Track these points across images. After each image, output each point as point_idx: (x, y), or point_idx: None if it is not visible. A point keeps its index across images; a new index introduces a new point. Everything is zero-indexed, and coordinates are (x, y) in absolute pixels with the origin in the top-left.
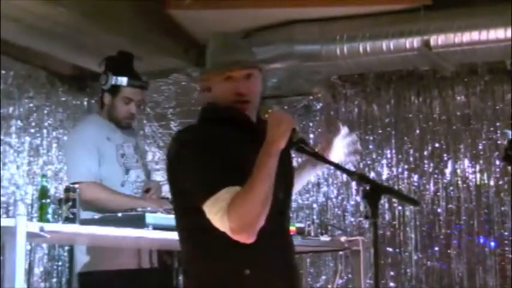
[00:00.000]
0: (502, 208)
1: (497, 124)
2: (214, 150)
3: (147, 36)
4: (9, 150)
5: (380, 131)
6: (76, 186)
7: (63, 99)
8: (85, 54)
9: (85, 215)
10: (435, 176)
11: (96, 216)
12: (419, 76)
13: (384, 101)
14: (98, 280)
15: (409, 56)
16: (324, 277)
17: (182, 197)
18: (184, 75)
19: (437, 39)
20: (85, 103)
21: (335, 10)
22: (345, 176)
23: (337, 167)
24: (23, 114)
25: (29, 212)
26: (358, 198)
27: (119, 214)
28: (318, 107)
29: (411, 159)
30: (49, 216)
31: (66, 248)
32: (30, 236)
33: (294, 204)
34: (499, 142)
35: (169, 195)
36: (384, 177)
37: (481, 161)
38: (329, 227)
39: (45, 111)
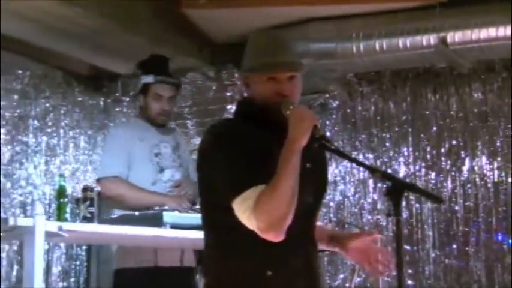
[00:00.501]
0: None
1: None
2: (244, 148)
3: (163, 35)
4: (26, 150)
5: (397, 129)
6: (95, 185)
7: (80, 99)
8: (102, 54)
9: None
10: (452, 173)
11: (114, 215)
12: (436, 73)
13: (401, 98)
14: (134, 277)
15: (426, 53)
16: (341, 275)
17: (210, 193)
18: (200, 74)
19: (454, 36)
20: (101, 103)
21: (351, 8)
22: (361, 174)
23: (360, 163)
24: (39, 114)
25: (46, 211)
26: (375, 196)
27: (137, 213)
28: (334, 105)
29: (428, 156)
30: (67, 216)
31: (84, 247)
32: (49, 235)
33: None
34: None
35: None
36: (401, 175)
37: (498, 158)
38: (346, 225)
39: (62, 111)
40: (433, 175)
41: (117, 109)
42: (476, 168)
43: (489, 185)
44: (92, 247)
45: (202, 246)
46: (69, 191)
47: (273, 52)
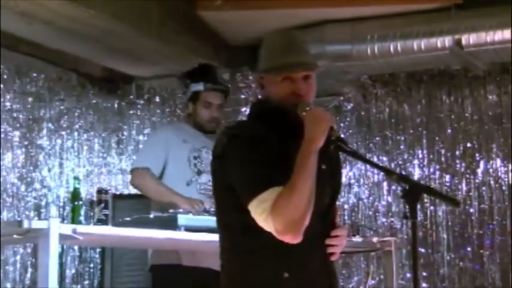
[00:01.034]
0: None
1: None
2: (261, 149)
3: (178, 37)
4: (40, 153)
5: (411, 131)
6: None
7: (94, 101)
8: (116, 56)
9: None
10: (467, 175)
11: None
12: (450, 75)
13: (415, 100)
14: (171, 274)
15: (441, 55)
16: (356, 278)
17: (226, 194)
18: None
19: (469, 38)
20: (116, 105)
21: (365, 10)
22: (376, 177)
23: (376, 166)
24: (54, 117)
25: (60, 214)
26: (390, 199)
27: (151, 215)
28: (349, 107)
29: (443, 159)
30: (81, 218)
31: (98, 249)
32: (63, 238)
33: None
34: None
35: None
36: (416, 177)
37: None
38: (360, 228)
39: (76, 114)
40: (447, 177)
41: (131, 111)
42: (491, 170)
43: (504, 188)
44: (106, 249)
45: (217, 249)
46: (83, 193)
47: (287, 52)
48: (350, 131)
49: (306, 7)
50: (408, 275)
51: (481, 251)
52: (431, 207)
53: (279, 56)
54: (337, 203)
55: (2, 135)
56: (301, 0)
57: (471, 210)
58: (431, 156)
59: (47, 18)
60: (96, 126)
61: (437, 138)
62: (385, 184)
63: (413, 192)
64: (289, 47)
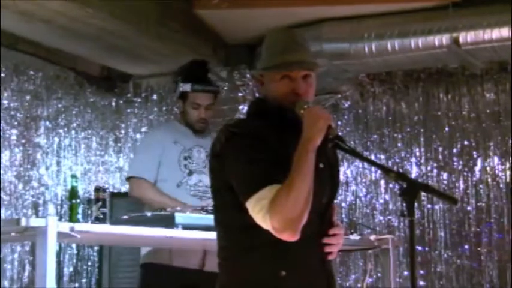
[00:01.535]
0: None
1: None
2: (259, 147)
3: (176, 36)
4: (38, 151)
5: (409, 129)
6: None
7: (92, 99)
8: (114, 55)
9: None
10: (465, 173)
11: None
12: (448, 74)
13: (413, 98)
14: (159, 273)
15: (438, 53)
16: (353, 276)
17: (225, 192)
18: (212, 75)
19: (467, 36)
20: (113, 104)
21: (363, 8)
22: (373, 175)
23: (374, 164)
24: (51, 115)
25: (58, 212)
26: (387, 197)
27: (149, 214)
28: (346, 105)
29: (440, 157)
30: (79, 217)
31: (96, 248)
32: (61, 236)
33: None
34: None
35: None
36: (413, 175)
37: (511, 158)
38: (358, 226)
39: (74, 112)
40: (445, 176)
41: (128, 110)
42: (488, 168)
43: (501, 185)
44: (104, 248)
45: (213, 247)
46: (80, 191)
47: (287, 50)
48: (347, 129)
49: (304, 5)
50: (406, 272)
51: (479, 249)
52: (429, 205)
53: (278, 54)
54: (335, 201)
55: (0, 134)
56: None
57: (469, 208)
58: (428, 154)
59: (45, 17)
60: (94, 124)
61: (434, 136)
62: (382, 182)
63: (411, 190)
64: (290, 45)
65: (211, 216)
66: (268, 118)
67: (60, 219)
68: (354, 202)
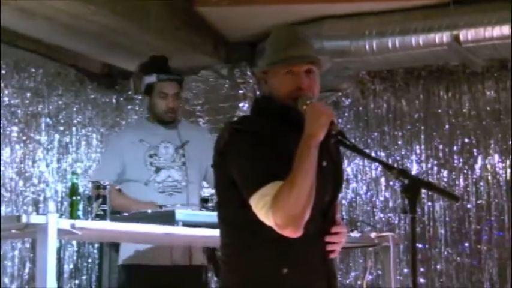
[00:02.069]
0: None
1: None
2: (263, 144)
3: (177, 33)
4: (38, 148)
5: (409, 127)
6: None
7: (92, 96)
8: (114, 52)
9: None
10: (465, 171)
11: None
12: (448, 71)
13: (413, 96)
14: (140, 273)
15: (439, 51)
16: (353, 273)
17: (228, 189)
18: (213, 72)
19: (467, 34)
20: (114, 101)
21: (364, 6)
22: (373, 172)
23: (377, 160)
24: (52, 112)
25: (58, 209)
26: (387, 194)
27: (149, 211)
28: (347, 103)
29: (441, 154)
30: (79, 213)
31: (96, 245)
32: (62, 232)
33: None
34: None
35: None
36: (414, 173)
37: (511, 156)
38: (358, 223)
39: (74, 109)
40: (445, 173)
41: (129, 107)
42: (488, 166)
43: (501, 183)
44: (104, 245)
45: (214, 244)
46: (81, 188)
47: (291, 46)
48: (348, 127)
49: (304, 3)
50: (406, 270)
51: (479, 247)
52: (429, 203)
53: (282, 50)
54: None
55: (1, 131)
56: None
57: (469, 205)
58: (429, 151)
59: (46, 14)
60: (95, 121)
61: (435, 133)
62: (382, 180)
63: (413, 187)
64: (293, 41)
65: (212, 214)
66: (272, 115)
67: (60, 216)
68: (354, 199)
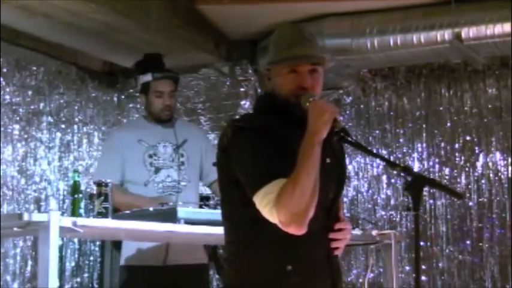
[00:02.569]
0: None
1: None
2: (266, 142)
3: (178, 31)
4: (40, 146)
5: (411, 125)
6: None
7: (94, 95)
8: (116, 50)
9: None
10: (466, 169)
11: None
12: (450, 69)
13: (415, 94)
14: (142, 274)
15: (440, 48)
16: (355, 271)
17: (232, 187)
18: (214, 70)
19: (469, 32)
20: (115, 99)
21: (365, 3)
22: (375, 170)
23: (380, 157)
24: (53, 110)
25: (60, 207)
26: (389, 192)
27: (151, 208)
28: (348, 100)
29: (442, 152)
30: (81, 211)
31: (98, 243)
32: (63, 230)
33: None
34: None
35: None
36: (415, 170)
37: None
38: (360, 221)
39: (76, 107)
40: (447, 171)
41: (130, 105)
42: (490, 164)
43: (503, 181)
44: (106, 243)
45: (216, 242)
46: (83, 186)
47: (295, 45)
48: (349, 125)
49: (306, 1)
50: (407, 267)
51: (480, 244)
52: (431, 201)
53: (286, 49)
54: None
55: (2, 129)
56: None
57: (470, 203)
58: (430, 149)
59: (47, 12)
60: (96, 119)
61: (436, 131)
62: (384, 177)
63: (416, 184)
64: (297, 40)
65: (214, 211)
66: (275, 112)
67: (62, 214)
68: (355, 197)
